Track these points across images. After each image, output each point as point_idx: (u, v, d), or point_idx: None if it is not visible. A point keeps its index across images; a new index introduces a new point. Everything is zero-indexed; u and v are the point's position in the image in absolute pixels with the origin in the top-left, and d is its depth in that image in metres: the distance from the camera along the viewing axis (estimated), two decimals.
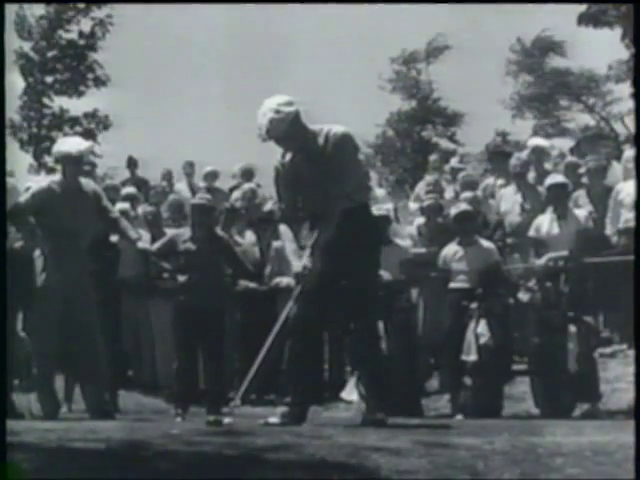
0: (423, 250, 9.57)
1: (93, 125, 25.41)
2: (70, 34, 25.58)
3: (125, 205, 10.15)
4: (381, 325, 8.37)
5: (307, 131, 5.92)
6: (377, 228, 6.32)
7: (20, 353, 7.75)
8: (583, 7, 20.17)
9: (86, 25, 25.45)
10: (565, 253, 8.60)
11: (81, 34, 25.47)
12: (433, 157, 13.48)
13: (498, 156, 11.65)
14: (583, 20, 20.20)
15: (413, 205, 11.06)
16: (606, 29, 20.75)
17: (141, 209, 10.56)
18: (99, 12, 25.16)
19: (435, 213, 9.90)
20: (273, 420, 5.90)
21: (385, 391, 6.21)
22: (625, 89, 23.48)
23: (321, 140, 5.87)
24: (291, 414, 5.90)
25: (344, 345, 8.75)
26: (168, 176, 12.46)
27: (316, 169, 5.88)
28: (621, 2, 18.65)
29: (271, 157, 6.21)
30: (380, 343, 6.29)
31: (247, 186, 11.14)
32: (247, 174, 11.77)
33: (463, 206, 9.19)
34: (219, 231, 9.22)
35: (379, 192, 11.75)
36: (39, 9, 24.93)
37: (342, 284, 5.89)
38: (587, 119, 27.11)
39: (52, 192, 7.45)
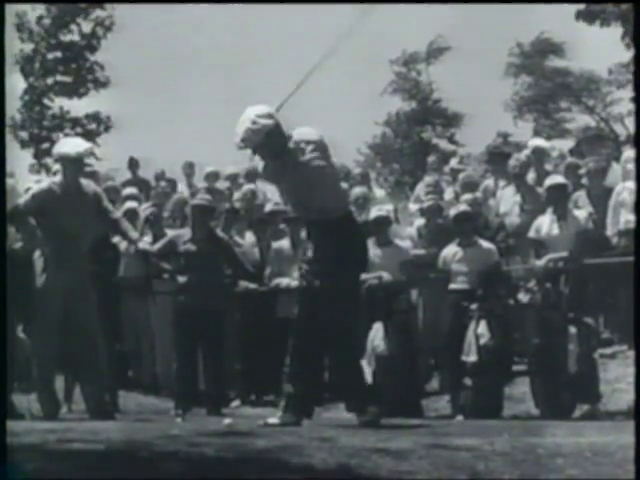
0: (422, 251, 9.56)
1: (94, 126, 25.44)
2: (71, 35, 25.63)
3: (133, 204, 10.19)
4: (379, 326, 8.40)
5: (285, 141, 5.96)
6: (353, 236, 6.25)
7: (19, 355, 7.75)
8: (583, 6, 20.19)
9: (87, 27, 25.52)
10: (565, 254, 8.59)
11: (82, 34, 25.49)
12: (431, 158, 13.47)
13: (497, 157, 11.63)
14: (581, 16, 20.21)
15: (413, 206, 11.04)
16: (605, 29, 20.76)
17: (142, 209, 10.56)
18: (100, 12, 25.20)
19: (435, 214, 9.88)
20: (272, 421, 5.90)
21: (366, 388, 6.24)
22: (626, 93, 23.51)
23: (292, 153, 5.93)
24: (290, 415, 5.91)
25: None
26: (161, 176, 12.47)
27: (289, 180, 5.97)
28: (621, 2, 18.65)
29: None
30: (350, 344, 6.23)
31: (247, 187, 11.14)
32: (250, 175, 11.76)
33: (462, 207, 9.18)
34: (219, 232, 9.23)
35: (379, 193, 11.74)
36: (40, 10, 24.98)
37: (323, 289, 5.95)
38: (587, 120, 27.12)
39: (52, 193, 7.45)
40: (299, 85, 6.03)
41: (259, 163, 6.20)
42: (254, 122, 5.88)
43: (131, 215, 9.61)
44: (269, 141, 5.91)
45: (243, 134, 5.90)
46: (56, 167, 10.81)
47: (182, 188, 12.42)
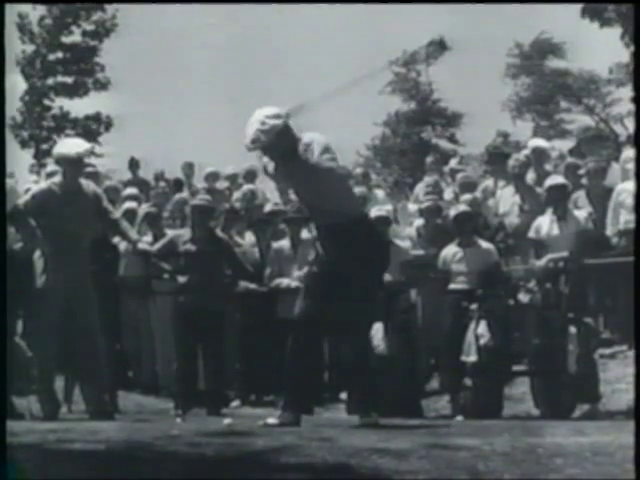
0: (422, 252, 9.55)
1: (94, 127, 25.48)
2: (72, 37, 25.69)
3: (133, 204, 10.19)
4: (379, 326, 8.40)
5: (295, 142, 5.95)
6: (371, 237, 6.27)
7: (18, 359, 7.75)
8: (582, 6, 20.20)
9: (88, 28, 25.56)
10: (565, 254, 8.60)
11: (84, 34, 25.52)
12: (429, 159, 13.45)
13: (497, 157, 11.62)
14: (587, 12, 20.17)
15: (412, 206, 11.03)
16: (605, 29, 20.76)
17: (142, 209, 10.57)
18: (102, 14, 25.26)
19: (434, 215, 9.87)
20: (272, 421, 5.89)
21: (375, 391, 6.24)
22: (625, 92, 23.50)
23: (303, 155, 5.92)
24: (289, 414, 5.91)
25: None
26: (161, 176, 12.49)
27: (301, 182, 5.96)
28: (621, 2, 18.66)
29: None
30: (367, 344, 6.25)
31: (247, 187, 11.14)
32: (249, 175, 11.77)
33: (462, 207, 9.19)
34: (219, 232, 9.23)
35: (379, 193, 11.74)
36: (41, 11, 25.03)
37: (340, 287, 5.94)
38: (587, 120, 27.12)
39: (52, 193, 7.45)
40: (319, 98, 6.06)
41: (268, 164, 6.17)
42: (263, 122, 5.87)
43: (130, 215, 9.61)
44: (279, 142, 5.90)
45: (253, 135, 5.89)
46: (50, 168, 10.89)
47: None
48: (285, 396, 6.01)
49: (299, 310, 6.06)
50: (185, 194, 11.77)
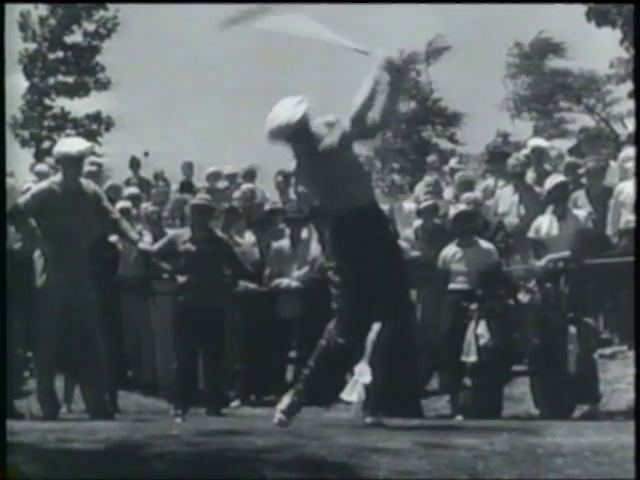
0: (419, 253, 9.52)
1: (95, 126, 25.49)
2: (73, 36, 25.70)
3: (127, 204, 10.17)
4: (379, 326, 8.37)
5: (313, 132, 5.92)
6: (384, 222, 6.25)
7: (19, 365, 7.76)
8: (584, 6, 20.13)
9: (90, 28, 25.58)
10: (565, 254, 8.60)
11: (86, 33, 25.54)
12: (431, 158, 13.45)
13: (497, 156, 11.62)
14: (592, 15, 20.09)
15: (412, 206, 10.99)
16: (606, 28, 20.71)
17: (143, 209, 10.56)
18: (103, 13, 25.28)
19: (432, 215, 9.83)
20: (281, 417, 5.85)
21: (385, 393, 6.23)
22: (625, 89, 23.47)
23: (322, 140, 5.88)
24: (297, 405, 5.90)
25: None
26: (161, 175, 12.48)
27: (321, 168, 5.92)
28: (621, 2, 18.64)
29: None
30: (396, 344, 6.25)
31: (246, 186, 11.13)
32: (249, 175, 11.76)
33: (462, 206, 9.18)
34: (219, 232, 9.22)
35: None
36: (42, 10, 25.04)
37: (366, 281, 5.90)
38: (587, 120, 27.11)
39: (52, 193, 7.45)
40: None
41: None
42: (287, 110, 5.81)
43: (126, 215, 9.58)
44: (301, 129, 5.81)
45: (278, 125, 5.78)
46: (39, 167, 10.86)
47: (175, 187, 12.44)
48: (300, 395, 5.96)
49: (341, 339, 5.97)
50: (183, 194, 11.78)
